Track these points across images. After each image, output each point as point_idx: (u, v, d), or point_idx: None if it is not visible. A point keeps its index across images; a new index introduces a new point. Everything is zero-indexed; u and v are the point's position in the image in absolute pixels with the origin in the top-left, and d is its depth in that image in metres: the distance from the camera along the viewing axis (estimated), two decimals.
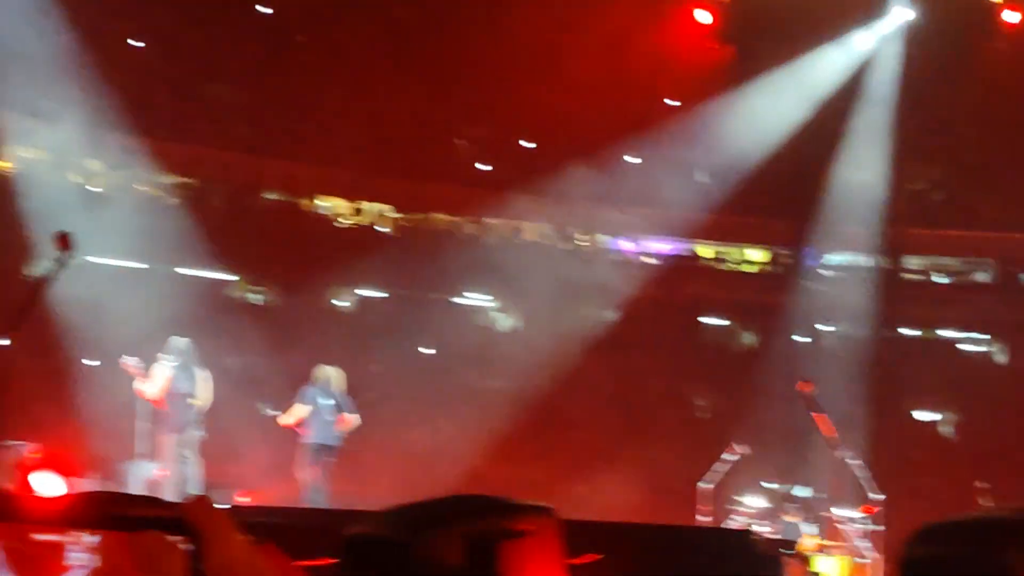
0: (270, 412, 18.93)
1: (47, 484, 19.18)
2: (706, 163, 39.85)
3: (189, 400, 17.93)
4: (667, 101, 40.81)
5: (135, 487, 19.55)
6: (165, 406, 17.74)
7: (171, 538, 1.09)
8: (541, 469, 29.84)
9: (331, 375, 19.03)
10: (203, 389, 18.12)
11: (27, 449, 18.51)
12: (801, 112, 38.46)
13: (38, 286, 16.11)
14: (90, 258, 30.36)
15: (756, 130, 38.03)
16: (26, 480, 18.44)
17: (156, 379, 17.62)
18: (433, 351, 36.23)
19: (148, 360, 18.39)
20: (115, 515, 1.13)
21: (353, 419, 18.72)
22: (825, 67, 38.91)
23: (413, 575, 2.08)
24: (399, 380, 32.34)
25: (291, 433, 19.40)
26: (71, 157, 37.27)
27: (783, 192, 39.60)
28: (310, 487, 18.36)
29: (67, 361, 30.23)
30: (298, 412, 18.52)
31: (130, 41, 38.88)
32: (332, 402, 18.61)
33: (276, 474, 19.17)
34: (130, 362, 18.01)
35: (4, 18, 32.85)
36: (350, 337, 33.64)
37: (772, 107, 38.25)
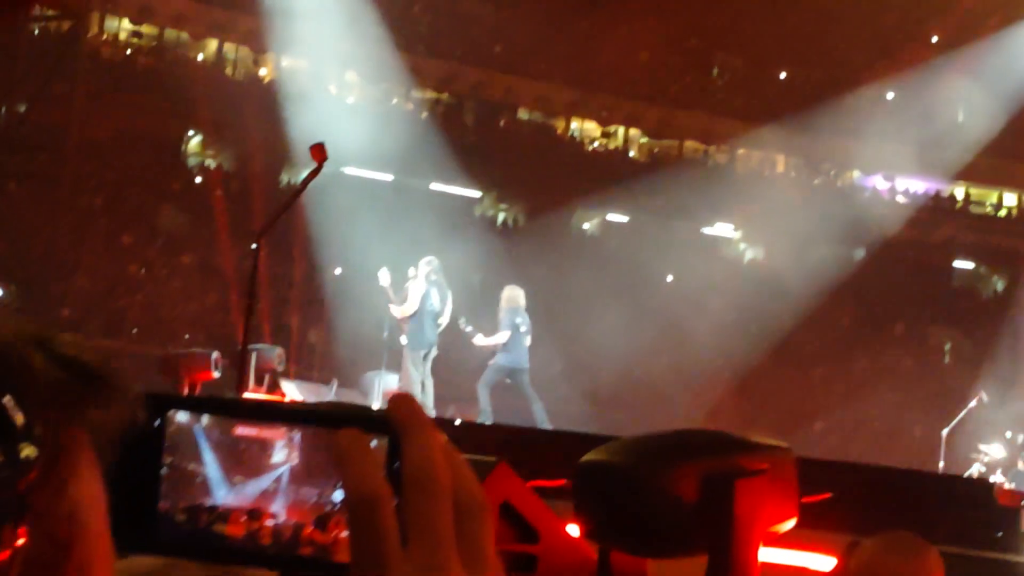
0: (469, 330, 18.61)
1: (290, 389, 19.65)
2: (968, 102, 38.82)
3: (439, 320, 17.97)
4: (932, 37, 39.81)
5: (375, 397, 19.88)
6: (408, 324, 17.85)
7: (369, 434, 1.08)
8: (777, 405, 29.62)
9: (521, 295, 18.76)
10: (447, 309, 18.17)
11: (274, 354, 18.89)
12: None
13: (292, 194, 16.41)
14: (343, 169, 30.92)
15: None
16: (274, 383, 18.89)
17: (411, 297, 17.71)
18: (675, 279, 36.03)
19: (397, 274, 18.47)
20: (317, 413, 1.13)
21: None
22: None
23: (647, 506, 2.06)
24: (640, 306, 32.26)
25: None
26: (330, 68, 37.88)
27: None
28: (488, 407, 18.16)
29: (315, 269, 30.83)
30: (500, 337, 18.31)
31: None
32: (527, 324, 18.45)
33: (497, 392, 19.06)
34: (383, 277, 18.07)
35: None
36: (593, 260, 33.69)
37: None
